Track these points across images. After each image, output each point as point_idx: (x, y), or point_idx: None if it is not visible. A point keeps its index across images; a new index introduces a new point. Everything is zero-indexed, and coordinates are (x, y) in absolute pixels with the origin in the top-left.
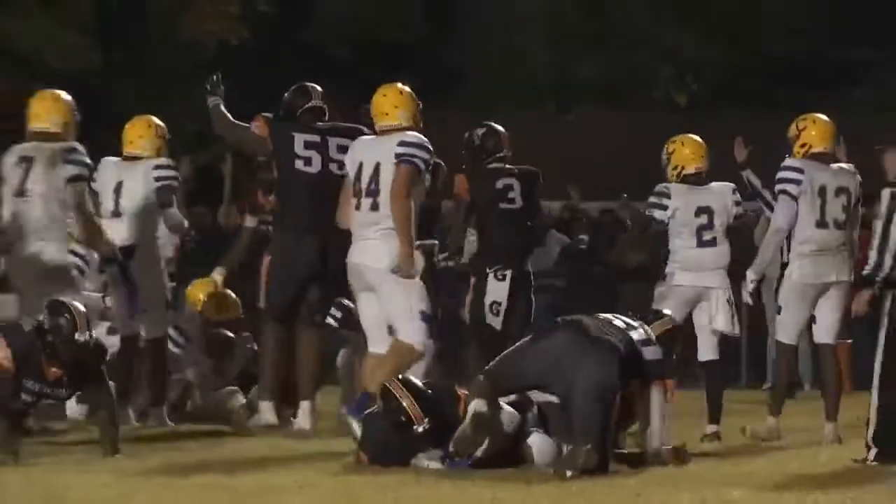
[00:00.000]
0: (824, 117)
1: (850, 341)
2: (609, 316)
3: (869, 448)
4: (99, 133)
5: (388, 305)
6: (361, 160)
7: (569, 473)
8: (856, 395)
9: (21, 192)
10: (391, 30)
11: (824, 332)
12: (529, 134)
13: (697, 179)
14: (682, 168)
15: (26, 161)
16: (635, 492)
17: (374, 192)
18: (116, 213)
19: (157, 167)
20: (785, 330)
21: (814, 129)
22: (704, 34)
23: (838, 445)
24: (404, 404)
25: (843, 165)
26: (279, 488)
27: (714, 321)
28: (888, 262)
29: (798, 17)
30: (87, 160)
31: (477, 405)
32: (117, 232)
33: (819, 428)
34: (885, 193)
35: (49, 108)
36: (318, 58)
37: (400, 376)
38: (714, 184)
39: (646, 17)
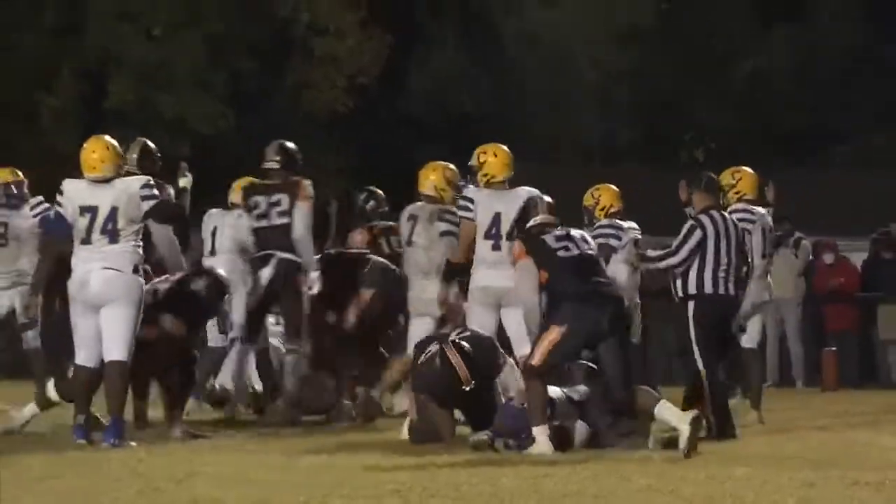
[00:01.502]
0: (750, 170)
1: (834, 349)
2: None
3: (710, 429)
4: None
5: (519, 320)
6: (499, 211)
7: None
8: (842, 392)
9: (409, 242)
10: (470, 100)
11: (748, 339)
12: (579, 186)
13: (617, 215)
14: (610, 207)
15: (413, 218)
16: (661, 467)
17: (513, 237)
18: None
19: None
20: (750, 339)
21: (747, 179)
22: (721, 105)
23: (825, 432)
24: (456, 367)
25: (759, 209)
26: (375, 467)
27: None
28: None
29: (796, 92)
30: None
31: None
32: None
33: (812, 417)
34: (686, 225)
35: (429, 176)
36: (411, 123)
37: (455, 340)
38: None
39: (674, 91)
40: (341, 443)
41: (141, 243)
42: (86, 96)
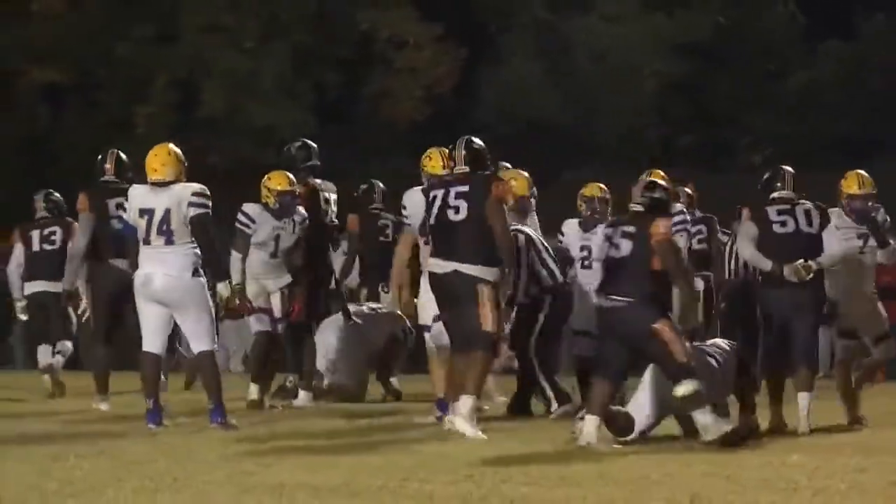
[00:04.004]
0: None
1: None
2: None
3: None
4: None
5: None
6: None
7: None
8: (892, 384)
9: None
10: (542, 112)
11: None
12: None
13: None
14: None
15: None
16: (720, 454)
17: None
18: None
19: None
20: None
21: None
22: (775, 113)
23: (876, 421)
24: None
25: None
26: (450, 453)
27: None
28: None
29: (845, 101)
30: None
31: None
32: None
33: (863, 407)
34: None
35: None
36: (485, 132)
37: None
38: None
39: (730, 99)
40: (419, 429)
41: (197, 245)
42: (177, 104)
